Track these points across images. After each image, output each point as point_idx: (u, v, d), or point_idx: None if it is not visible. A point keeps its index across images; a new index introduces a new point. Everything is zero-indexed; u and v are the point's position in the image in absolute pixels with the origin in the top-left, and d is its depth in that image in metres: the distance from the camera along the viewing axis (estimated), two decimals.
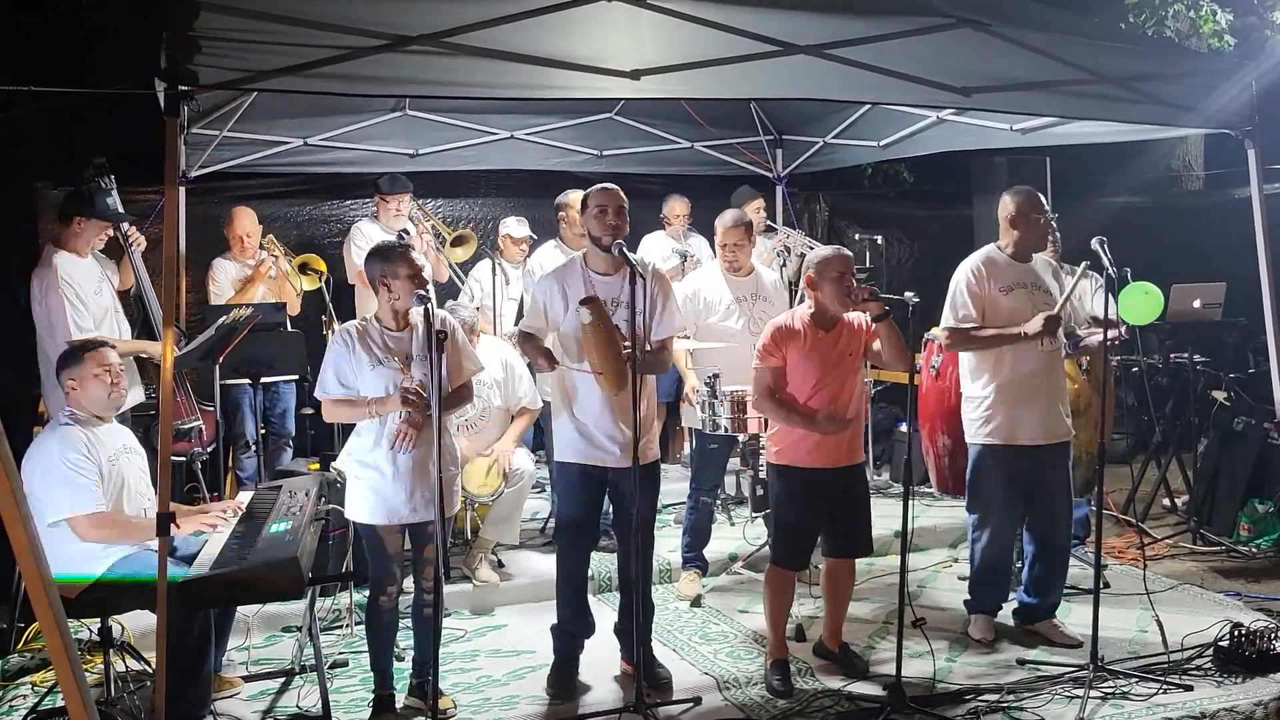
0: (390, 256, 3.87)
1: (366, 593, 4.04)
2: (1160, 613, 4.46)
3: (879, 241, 7.57)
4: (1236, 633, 4.28)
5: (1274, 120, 5.14)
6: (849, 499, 4.21)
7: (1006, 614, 4.73)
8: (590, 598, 4.48)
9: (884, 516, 5.95)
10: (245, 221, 6.06)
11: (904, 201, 10.31)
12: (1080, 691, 3.99)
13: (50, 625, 2.26)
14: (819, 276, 4.09)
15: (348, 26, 3.50)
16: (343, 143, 6.58)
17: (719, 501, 5.73)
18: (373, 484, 3.88)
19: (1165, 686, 4.06)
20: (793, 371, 4.11)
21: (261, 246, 6.14)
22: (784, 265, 6.82)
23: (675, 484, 6.51)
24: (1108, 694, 4.02)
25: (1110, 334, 4.35)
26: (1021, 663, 4.35)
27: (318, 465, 5.08)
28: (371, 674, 4.02)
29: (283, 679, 4.31)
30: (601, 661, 4.37)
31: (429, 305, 3.66)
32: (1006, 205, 4.49)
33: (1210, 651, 4.32)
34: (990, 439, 4.45)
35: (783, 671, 4.22)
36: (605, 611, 4.65)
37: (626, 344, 3.94)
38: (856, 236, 7.58)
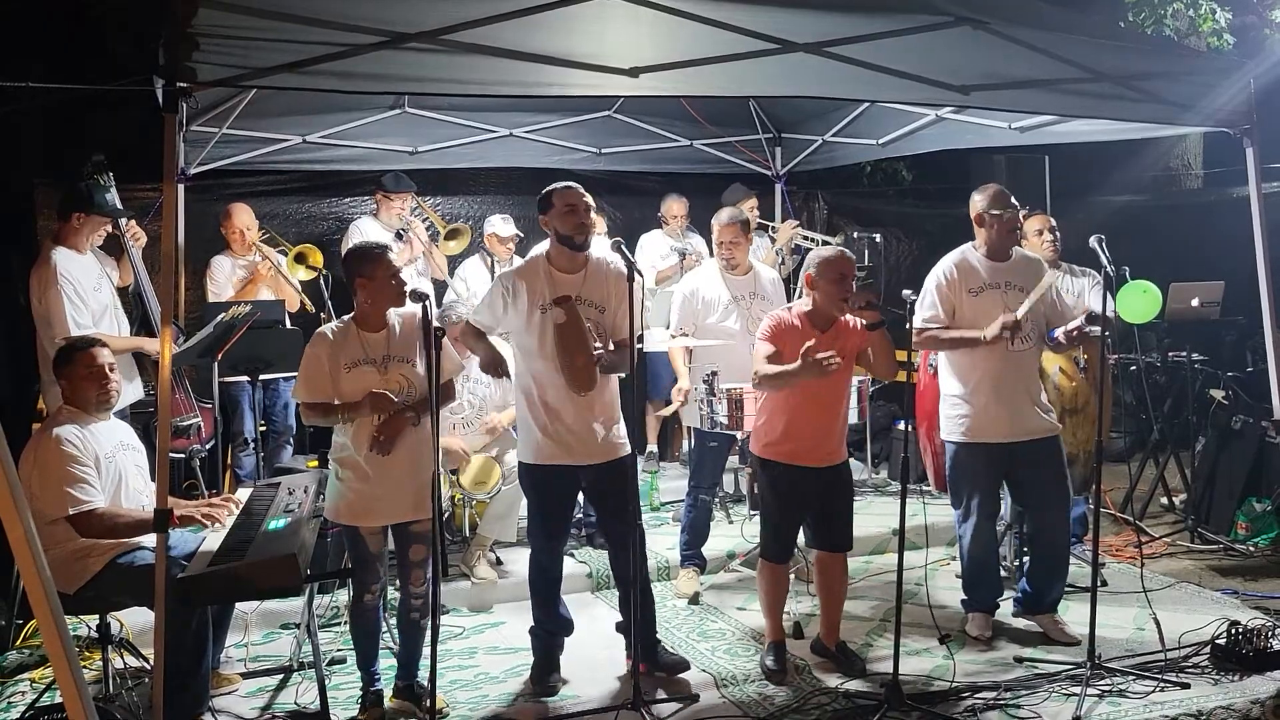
0: (368, 257, 3.85)
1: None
2: (1157, 611, 4.47)
3: (877, 240, 7.57)
4: (1233, 631, 4.28)
5: (1272, 119, 5.14)
6: (832, 494, 4.25)
7: (1004, 612, 4.73)
8: (587, 595, 4.53)
9: (882, 514, 5.98)
10: (243, 216, 6.06)
11: (903, 200, 10.33)
12: (1077, 689, 3.99)
13: (48, 622, 2.26)
14: (819, 276, 4.09)
15: (346, 24, 3.49)
16: (342, 140, 6.57)
17: (717, 499, 5.74)
18: (352, 484, 3.86)
19: (1162, 684, 4.07)
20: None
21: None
22: (782, 263, 6.83)
23: (674, 481, 6.52)
24: (1105, 692, 4.02)
25: (1092, 328, 4.37)
26: (1019, 660, 4.36)
27: (316, 462, 5.08)
28: (360, 674, 4.02)
29: (281, 676, 4.32)
30: (595, 658, 4.38)
31: (426, 304, 3.65)
32: (973, 204, 4.51)
33: (1207, 649, 4.32)
34: (961, 436, 4.49)
35: (776, 653, 4.26)
36: (600, 608, 4.65)
37: (597, 344, 3.94)
38: (855, 234, 7.58)
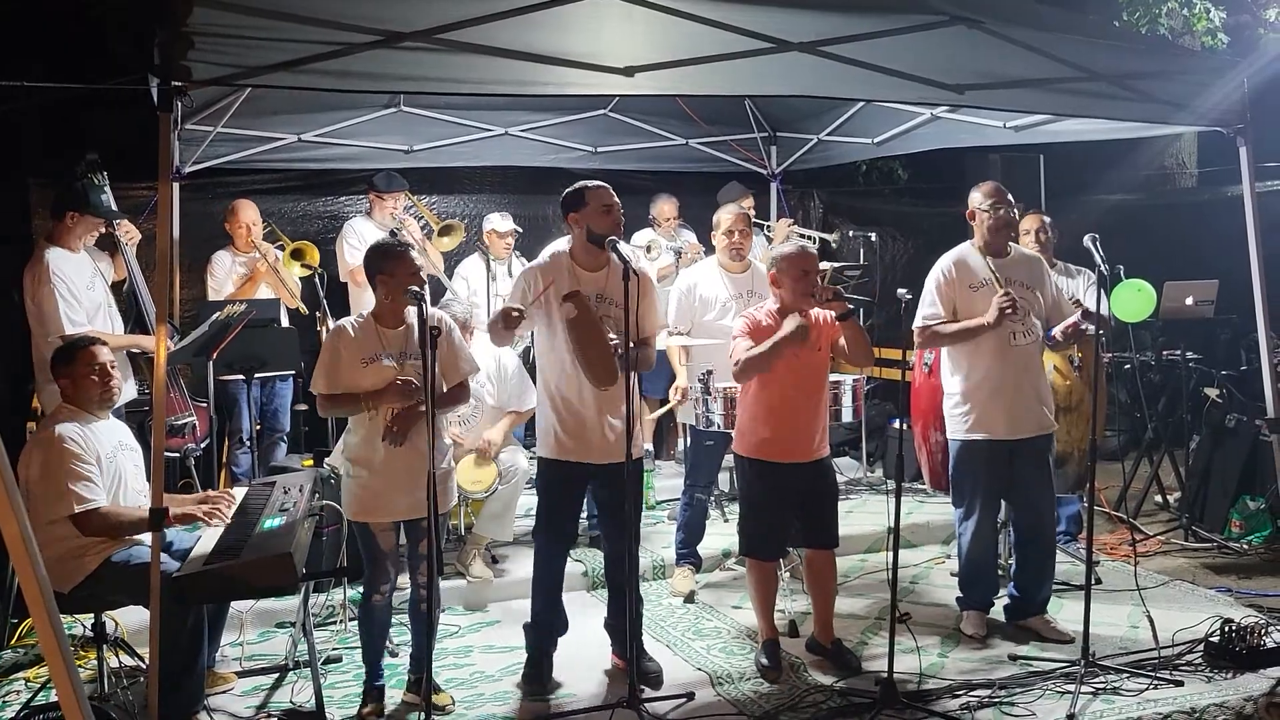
0: (391, 255, 3.87)
1: (360, 589, 4.05)
2: (1151, 609, 4.48)
3: (873, 238, 7.59)
4: (1227, 629, 4.29)
5: (1266, 118, 5.16)
6: (815, 491, 4.26)
7: (999, 611, 4.75)
8: (584, 594, 4.52)
9: (877, 513, 5.99)
10: (249, 212, 6.05)
11: (898, 198, 10.34)
12: (1071, 687, 4.00)
13: (43, 620, 2.26)
14: (782, 274, 4.14)
15: (341, 22, 3.50)
16: (337, 139, 6.58)
17: (713, 498, 5.74)
18: (365, 481, 3.89)
19: (1156, 682, 4.08)
20: None
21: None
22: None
23: (669, 480, 6.53)
24: (1099, 689, 4.03)
25: (1088, 326, 4.38)
26: (1013, 658, 4.36)
27: (312, 461, 5.08)
28: (364, 668, 4.04)
29: (276, 675, 4.32)
30: (591, 657, 4.39)
31: (422, 302, 3.66)
32: (970, 201, 4.54)
33: (1201, 647, 4.33)
34: (968, 434, 4.50)
35: (770, 650, 4.28)
36: (597, 607, 4.65)
37: (613, 339, 3.94)
38: (850, 233, 7.59)
